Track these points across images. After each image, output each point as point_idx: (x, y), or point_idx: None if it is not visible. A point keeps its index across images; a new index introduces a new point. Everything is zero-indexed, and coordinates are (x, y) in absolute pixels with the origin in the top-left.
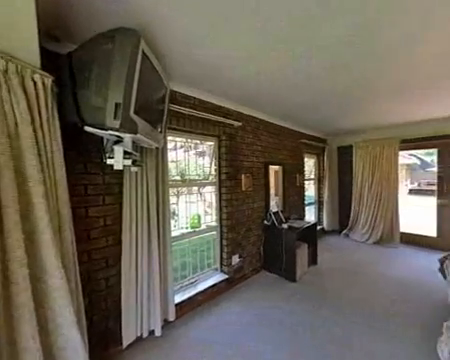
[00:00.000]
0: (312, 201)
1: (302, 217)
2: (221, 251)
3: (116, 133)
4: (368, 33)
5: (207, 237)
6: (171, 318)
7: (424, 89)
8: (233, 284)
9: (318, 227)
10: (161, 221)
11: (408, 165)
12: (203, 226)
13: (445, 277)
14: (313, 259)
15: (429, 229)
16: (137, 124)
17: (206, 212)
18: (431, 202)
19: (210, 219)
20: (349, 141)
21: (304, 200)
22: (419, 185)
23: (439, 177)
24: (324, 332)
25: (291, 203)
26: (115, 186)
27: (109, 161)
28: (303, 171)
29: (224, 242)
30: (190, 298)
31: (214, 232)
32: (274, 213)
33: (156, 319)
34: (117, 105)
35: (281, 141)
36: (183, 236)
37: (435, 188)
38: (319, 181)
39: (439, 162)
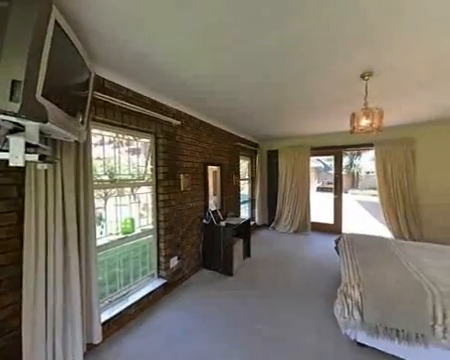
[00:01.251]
0: (246, 199)
1: (238, 214)
2: (158, 255)
3: (13, 119)
4: (287, 61)
5: (142, 242)
6: (97, 340)
7: (326, 110)
8: (172, 287)
9: (251, 223)
10: (83, 229)
11: (316, 168)
12: (138, 230)
13: (338, 253)
14: (247, 252)
15: (329, 218)
16: (46, 110)
17: (141, 215)
18: (330, 197)
19: (146, 222)
20: (276, 146)
21: (239, 199)
22: (323, 184)
23: (335, 178)
24: (255, 314)
25: (228, 202)
26: (12, 188)
27: (1, 155)
28: (239, 172)
29: (161, 245)
30: (120, 313)
31: (150, 235)
32: (213, 212)
33: (76, 347)
34: (15, 83)
35: (220, 143)
36: (113, 244)
37: (333, 186)
38: (252, 181)
39: (335, 166)
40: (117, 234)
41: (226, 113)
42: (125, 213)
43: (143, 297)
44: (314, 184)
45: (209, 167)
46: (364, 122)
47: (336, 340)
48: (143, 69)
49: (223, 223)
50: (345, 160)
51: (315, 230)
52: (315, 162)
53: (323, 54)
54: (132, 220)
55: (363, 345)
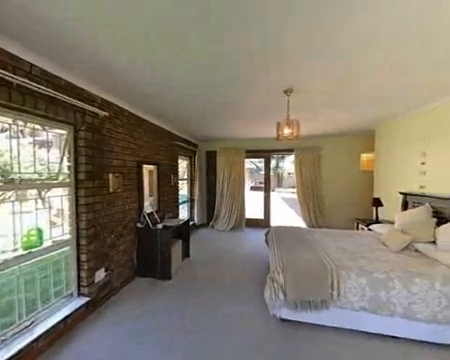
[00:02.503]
0: (185, 199)
1: (176, 215)
2: (79, 269)
3: None
4: (223, 70)
5: (55, 257)
6: None
7: (258, 118)
8: (98, 304)
9: (191, 223)
10: None
11: (250, 169)
12: (47, 243)
13: (268, 245)
14: (186, 253)
15: (260, 214)
16: None
17: (53, 223)
18: (261, 195)
19: (60, 231)
20: (215, 147)
21: (178, 199)
22: (255, 183)
23: (265, 178)
24: (195, 315)
25: (166, 203)
26: None
27: None
28: (177, 172)
29: (83, 257)
30: (21, 351)
31: (67, 247)
32: (149, 214)
33: None
34: None
35: (157, 141)
36: (6, 264)
37: (263, 185)
38: (191, 181)
39: (265, 168)
40: (15, 250)
41: (164, 110)
42: (29, 222)
43: (58, 323)
44: (248, 184)
45: (144, 166)
46: (287, 131)
47: (266, 320)
48: (53, 41)
49: (160, 225)
50: (273, 162)
51: (249, 226)
52: (249, 163)
53: (255, 68)
54: (39, 231)
55: (286, 320)
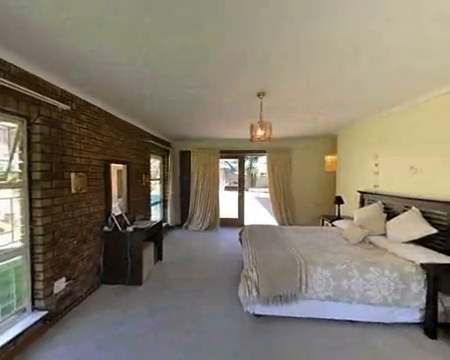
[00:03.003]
0: (158, 200)
1: (148, 217)
2: (33, 281)
3: None
4: (196, 69)
5: (2, 268)
6: None
7: (232, 119)
8: (59, 318)
9: (164, 224)
10: None
11: (224, 169)
12: None
13: (242, 243)
14: (159, 255)
15: (234, 213)
16: None
17: (0, 230)
18: (235, 195)
19: (10, 239)
20: (189, 147)
21: (150, 200)
22: (230, 183)
23: (239, 178)
24: (168, 318)
25: (137, 204)
26: None
27: None
28: (149, 171)
29: (39, 267)
30: None
31: (18, 257)
32: (117, 217)
33: None
34: None
35: (127, 139)
36: None
37: (237, 185)
38: (164, 181)
39: (239, 168)
40: None
41: (134, 106)
42: None
43: (6, 344)
44: (223, 184)
45: (113, 165)
46: (260, 132)
47: (240, 317)
48: (15, 29)
49: (130, 228)
50: (246, 163)
51: (224, 225)
52: (223, 164)
53: (229, 70)
54: None
55: (259, 315)
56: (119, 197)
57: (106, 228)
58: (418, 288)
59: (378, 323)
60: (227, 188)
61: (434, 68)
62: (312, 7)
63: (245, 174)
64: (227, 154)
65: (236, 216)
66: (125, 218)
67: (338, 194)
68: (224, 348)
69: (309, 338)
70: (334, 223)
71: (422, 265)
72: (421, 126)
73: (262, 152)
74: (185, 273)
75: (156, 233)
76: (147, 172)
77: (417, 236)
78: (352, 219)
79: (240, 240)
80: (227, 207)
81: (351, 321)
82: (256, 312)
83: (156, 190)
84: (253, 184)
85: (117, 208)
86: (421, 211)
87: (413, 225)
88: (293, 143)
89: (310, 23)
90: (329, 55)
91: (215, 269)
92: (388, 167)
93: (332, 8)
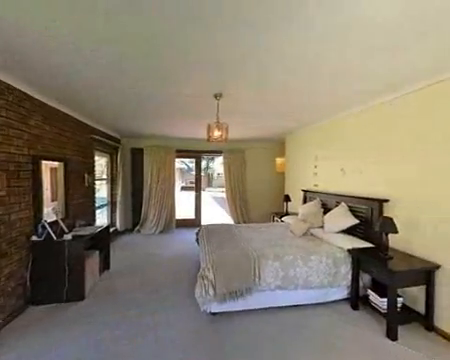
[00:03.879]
0: (105, 203)
1: (92, 222)
2: None
3: None
4: (152, 63)
5: None
6: None
7: (189, 118)
8: None
9: (111, 229)
10: None
11: (180, 169)
12: None
13: (198, 244)
14: (106, 264)
15: (191, 213)
16: None
17: None
18: (192, 195)
19: None
20: (142, 144)
21: (94, 203)
22: (186, 183)
23: (196, 178)
24: (117, 334)
25: (77, 208)
26: None
27: None
28: (93, 170)
29: None
30: None
31: None
32: (51, 223)
33: None
34: None
35: (65, 132)
36: None
37: (194, 185)
38: (112, 181)
39: (196, 168)
40: None
41: (75, 96)
42: None
43: None
44: (179, 184)
45: (45, 162)
46: (216, 133)
47: (197, 318)
48: None
49: (69, 236)
50: (203, 163)
51: (180, 227)
52: (180, 163)
53: (184, 68)
54: None
55: (215, 313)
56: (54, 200)
57: (35, 238)
58: (346, 269)
59: (317, 304)
60: (184, 188)
61: (357, 89)
62: (263, 20)
63: (202, 174)
64: (184, 153)
65: (193, 216)
66: (62, 224)
67: (286, 193)
68: (180, 352)
69: (263, 326)
70: (283, 219)
71: (349, 250)
72: (347, 135)
73: (219, 152)
74: (137, 280)
75: (102, 240)
76: (91, 171)
77: (345, 227)
78: (297, 215)
79: (197, 240)
80: (184, 208)
81: (295, 305)
82: (212, 310)
83: (102, 191)
84: (210, 184)
85: (51, 213)
86: (348, 206)
87: (342, 218)
88: (248, 145)
89: (261, 35)
90: (277, 67)
91: (170, 272)
92: (325, 169)
93: (281, 23)
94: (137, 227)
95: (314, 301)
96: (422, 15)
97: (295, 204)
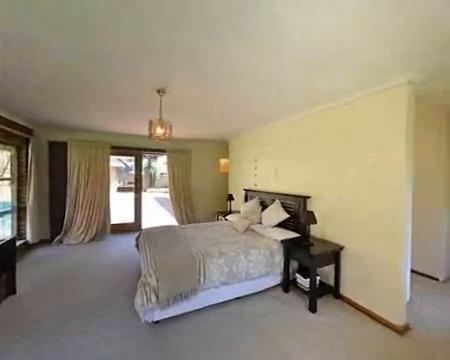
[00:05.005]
0: (8, 209)
1: None
2: None
3: None
4: (87, 46)
5: None
6: None
7: (127, 112)
8: None
9: (19, 242)
10: None
11: (117, 168)
12: None
13: (138, 249)
14: (9, 289)
15: (130, 217)
16: None
17: None
18: (131, 196)
19: None
20: (64, 137)
21: None
22: (124, 184)
23: (135, 178)
24: None
25: None
26: None
27: None
28: None
29: None
30: None
31: None
32: None
33: None
34: None
35: None
36: None
37: (133, 186)
38: (19, 182)
39: (135, 167)
40: None
41: None
42: None
43: None
44: (115, 184)
45: None
46: (159, 131)
47: (138, 330)
48: None
49: None
50: (144, 162)
51: (116, 232)
52: (116, 161)
53: (123, 55)
54: None
55: (158, 321)
56: None
57: None
58: (279, 258)
59: (254, 293)
60: (121, 189)
61: (287, 102)
62: (206, 25)
63: (143, 174)
64: (121, 150)
65: (132, 220)
66: None
67: (230, 192)
68: None
69: (208, 325)
70: (227, 217)
71: (282, 241)
72: (280, 141)
73: (162, 151)
74: (58, 302)
75: (3, 257)
76: None
77: (279, 221)
78: (240, 212)
79: (137, 246)
80: (121, 211)
81: (237, 298)
82: (155, 319)
83: (4, 195)
84: (152, 184)
85: None
86: (281, 203)
87: (276, 213)
88: (193, 145)
89: (204, 38)
90: (221, 73)
91: (105, 285)
92: (262, 170)
93: (225, 30)
94: (58, 237)
95: (253, 291)
96: (338, 50)
97: (238, 203)
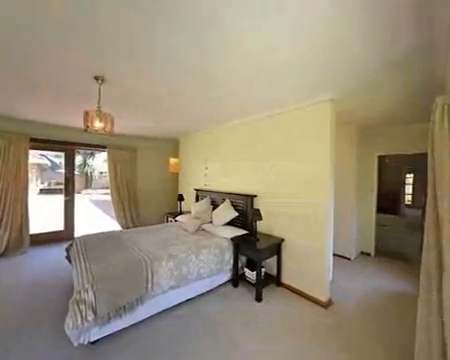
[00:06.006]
0: None
1: None
2: None
3: None
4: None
5: None
6: None
7: (56, 98)
8: None
9: None
10: None
11: (39, 165)
12: None
13: (70, 262)
14: None
15: (58, 224)
16: None
17: None
18: (60, 200)
19: None
20: None
21: None
22: (49, 184)
23: (66, 177)
24: None
25: None
26: None
27: None
28: None
29: None
30: None
31: None
32: None
33: None
34: None
35: None
36: None
37: (63, 187)
38: None
39: (66, 165)
40: None
41: None
42: None
43: None
44: (37, 185)
45: None
46: (98, 124)
47: (71, 356)
48: None
49: None
50: (78, 159)
51: (38, 244)
52: (38, 157)
53: (52, 26)
54: None
55: (96, 341)
56: None
57: None
58: (229, 255)
59: (206, 292)
60: (45, 191)
61: (235, 105)
62: (153, 10)
63: (77, 173)
64: (45, 145)
65: (61, 228)
66: None
67: (180, 192)
68: None
69: (155, 333)
70: (177, 218)
71: (231, 239)
72: (229, 141)
73: (102, 147)
74: None
75: None
76: None
77: (229, 219)
78: (191, 213)
79: (68, 258)
80: (45, 217)
81: (188, 300)
82: (92, 339)
83: None
84: (88, 185)
85: None
86: (231, 202)
87: (226, 212)
88: (140, 142)
89: (151, 26)
90: (171, 69)
91: (23, 306)
92: (213, 170)
93: (175, 28)
94: None
95: (204, 290)
96: (275, 63)
97: (189, 203)
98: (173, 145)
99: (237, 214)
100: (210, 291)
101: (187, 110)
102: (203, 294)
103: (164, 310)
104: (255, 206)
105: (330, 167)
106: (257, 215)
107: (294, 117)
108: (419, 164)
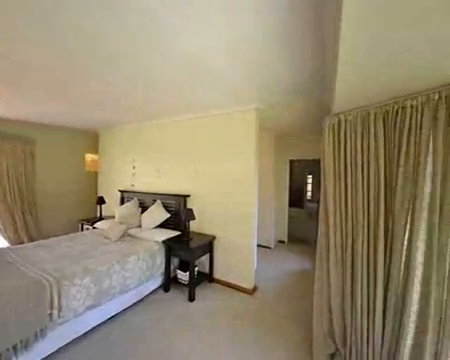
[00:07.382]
0: None
1: None
2: None
3: None
4: None
5: None
6: None
7: None
8: None
9: None
10: None
11: None
12: None
13: None
14: None
15: None
16: None
17: None
18: None
19: None
20: None
21: None
22: None
23: None
24: None
25: None
26: None
27: None
28: None
29: None
30: None
31: None
32: None
33: None
34: None
35: None
36: None
37: None
38: None
39: None
40: None
41: None
42: None
43: None
44: None
45: None
46: None
47: None
48: None
49: None
50: None
51: None
52: None
53: None
54: None
55: None
56: None
57: None
58: (161, 259)
59: (134, 304)
60: None
61: (163, 102)
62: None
63: None
64: None
65: None
66: None
67: (100, 194)
68: None
69: None
70: (95, 225)
71: (163, 241)
72: (161, 140)
73: None
74: None
75: None
76: None
77: (160, 221)
78: (114, 217)
79: None
80: None
81: (110, 318)
82: None
83: None
84: None
85: None
86: (163, 203)
87: (157, 214)
88: (40, 132)
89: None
90: (85, 47)
91: None
92: (142, 170)
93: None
94: None
95: (131, 303)
96: (204, 69)
97: (111, 206)
98: (90, 139)
99: (169, 215)
100: (140, 301)
101: (109, 97)
102: (130, 307)
103: (80, 336)
104: (188, 206)
105: (255, 169)
106: (190, 215)
107: (225, 121)
108: (316, 167)
